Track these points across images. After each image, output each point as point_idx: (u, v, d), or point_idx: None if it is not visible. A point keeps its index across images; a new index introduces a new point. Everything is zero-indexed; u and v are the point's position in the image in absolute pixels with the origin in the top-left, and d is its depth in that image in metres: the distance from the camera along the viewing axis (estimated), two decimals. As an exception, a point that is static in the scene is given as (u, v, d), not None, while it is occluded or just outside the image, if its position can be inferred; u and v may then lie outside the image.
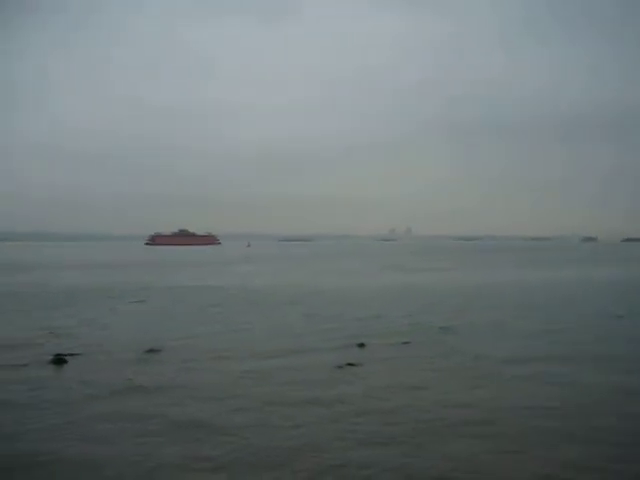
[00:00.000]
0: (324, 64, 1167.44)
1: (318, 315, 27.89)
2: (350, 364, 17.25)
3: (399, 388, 14.81)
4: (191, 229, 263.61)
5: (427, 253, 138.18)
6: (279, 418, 12.50)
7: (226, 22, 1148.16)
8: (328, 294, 38.28)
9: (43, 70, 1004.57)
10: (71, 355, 18.28)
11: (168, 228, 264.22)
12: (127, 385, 15.06)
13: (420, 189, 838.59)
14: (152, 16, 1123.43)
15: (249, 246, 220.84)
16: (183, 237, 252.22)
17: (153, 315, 28.32)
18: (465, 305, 31.94)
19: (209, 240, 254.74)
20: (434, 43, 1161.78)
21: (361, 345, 20.09)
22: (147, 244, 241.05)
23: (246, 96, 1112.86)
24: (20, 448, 10.75)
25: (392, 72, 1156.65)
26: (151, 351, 19.14)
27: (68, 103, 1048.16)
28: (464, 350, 19.34)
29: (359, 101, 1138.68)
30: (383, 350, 19.50)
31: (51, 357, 17.85)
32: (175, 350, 19.36)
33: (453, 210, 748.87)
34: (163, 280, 50.73)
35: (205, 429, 11.83)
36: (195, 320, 26.53)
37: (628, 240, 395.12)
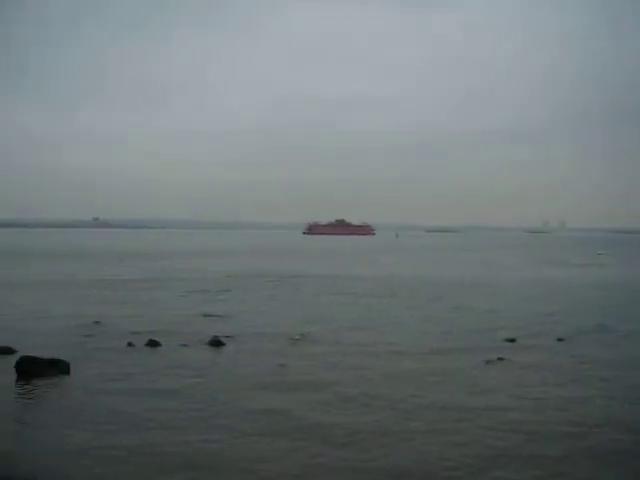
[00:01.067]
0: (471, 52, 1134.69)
1: (468, 309, 27.41)
2: (500, 359, 16.88)
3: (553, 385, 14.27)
4: (348, 219, 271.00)
5: (584, 246, 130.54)
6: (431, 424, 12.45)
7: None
8: (481, 288, 37.45)
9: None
10: (227, 337, 19.35)
11: (325, 218, 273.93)
12: (277, 371, 15.72)
13: (572, 179, 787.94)
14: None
15: (397, 236, 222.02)
16: (339, 227, 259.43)
17: (305, 303, 29.31)
18: (629, 303, 29.98)
19: (364, 230, 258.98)
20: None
21: (511, 340, 19.58)
22: (305, 233, 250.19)
23: (398, 86, 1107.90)
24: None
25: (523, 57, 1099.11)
26: (301, 338, 19.79)
27: (232, 95, 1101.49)
28: (623, 351, 18.23)
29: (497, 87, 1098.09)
30: (535, 347, 18.88)
31: (209, 339, 19.02)
32: (323, 340, 19.81)
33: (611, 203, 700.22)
34: (316, 268, 52.09)
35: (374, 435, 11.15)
36: (344, 310, 27.03)
37: None
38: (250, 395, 13.36)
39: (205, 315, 24.58)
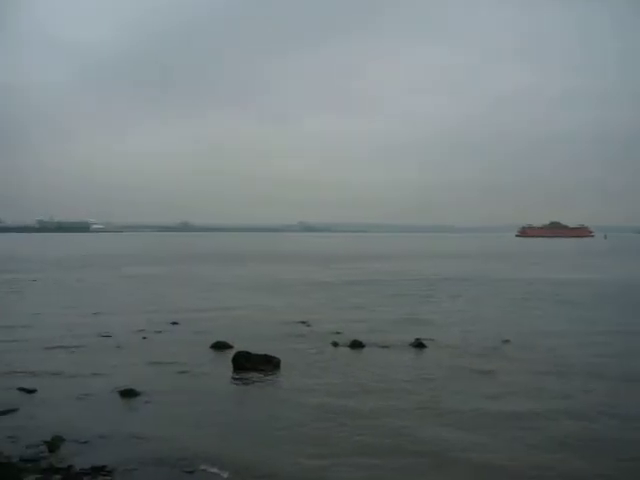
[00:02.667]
0: None
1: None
2: None
3: None
4: (563, 222, 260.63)
5: None
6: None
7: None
8: None
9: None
10: (429, 340, 19.30)
11: (539, 220, 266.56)
12: (482, 377, 15.35)
13: None
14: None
15: (606, 238, 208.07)
16: (554, 229, 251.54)
17: (511, 308, 28.34)
18: None
19: (581, 232, 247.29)
20: None
21: None
22: (517, 236, 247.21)
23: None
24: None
25: None
26: (505, 345, 19.12)
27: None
28: None
29: None
30: None
31: (412, 341, 19.11)
32: (525, 347, 18.92)
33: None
34: (528, 272, 50.23)
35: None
36: (550, 317, 25.79)
37: None
38: (454, 399, 13.19)
39: (408, 318, 24.74)
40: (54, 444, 10.02)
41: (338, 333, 20.60)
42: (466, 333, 21.06)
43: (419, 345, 18.70)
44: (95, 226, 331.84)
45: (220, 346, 18.20)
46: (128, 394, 13.13)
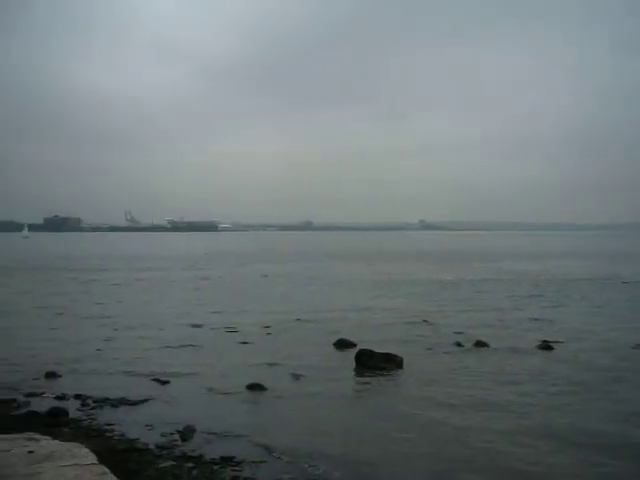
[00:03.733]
0: None
1: None
2: None
3: None
4: None
5: None
6: None
7: None
8: None
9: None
10: (557, 343, 18.50)
11: None
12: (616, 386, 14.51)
13: None
14: None
15: None
16: None
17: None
18: None
19: None
20: None
21: None
22: None
23: None
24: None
25: None
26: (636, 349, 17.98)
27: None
28: None
29: None
30: None
31: (538, 343, 18.41)
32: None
33: None
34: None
35: None
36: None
37: None
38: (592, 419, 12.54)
39: (535, 318, 23.87)
40: (186, 433, 10.51)
41: (461, 333, 20.22)
42: (598, 335, 20.01)
43: (546, 347, 17.97)
44: (222, 225, 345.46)
45: (343, 344, 18.35)
46: (255, 388, 13.53)
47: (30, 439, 8.00)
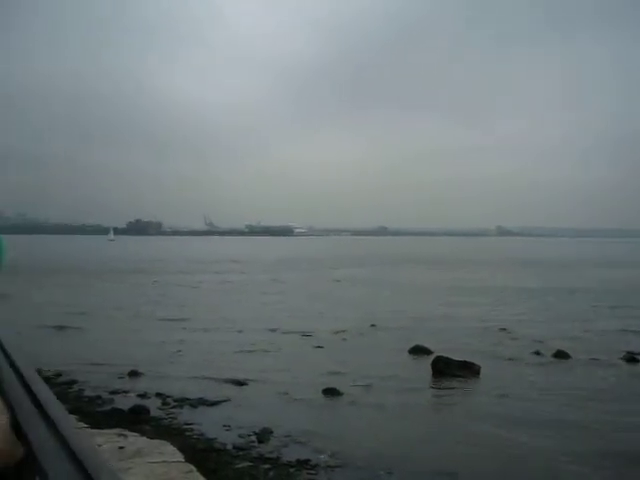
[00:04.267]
0: None
1: None
2: None
3: None
4: None
5: None
6: None
7: None
8: None
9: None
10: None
11: None
12: None
13: None
14: None
15: None
16: None
17: None
18: None
19: None
20: None
21: None
22: None
23: None
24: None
25: None
26: None
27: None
28: None
29: None
30: None
31: (622, 354, 17.75)
32: None
33: None
34: None
35: None
36: None
37: None
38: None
39: (620, 329, 22.93)
40: (263, 435, 10.66)
41: (540, 342, 19.70)
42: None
43: (631, 360, 17.27)
44: (298, 230, 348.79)
45: (419, 350, 18.18)
46: (330, 393, 13.59)
47: (120, 435, 8.32)
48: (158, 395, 13.25)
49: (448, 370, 15.26)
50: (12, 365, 2.97)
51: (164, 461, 7.06)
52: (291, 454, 9.87)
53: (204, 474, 7.12)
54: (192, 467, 7.11)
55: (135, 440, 8.14)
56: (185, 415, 11.95)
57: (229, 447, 10.11)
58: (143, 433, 9.45)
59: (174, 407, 12.47)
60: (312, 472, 9.17)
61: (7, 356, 3.22)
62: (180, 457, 7.47)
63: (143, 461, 6.97)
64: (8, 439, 2.19)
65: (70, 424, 1.96)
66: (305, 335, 21.20)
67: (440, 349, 17.45)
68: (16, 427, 2.18)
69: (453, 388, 14.37)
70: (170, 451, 7.62)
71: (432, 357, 16.38)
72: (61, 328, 22.08)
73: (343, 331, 21.86)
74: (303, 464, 9.43)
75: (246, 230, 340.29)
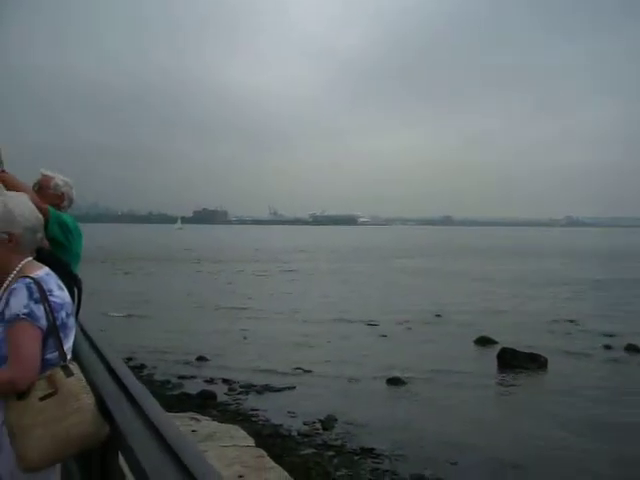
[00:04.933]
0: None
1: None
2: None
3: None
4: None
5: None
6: None
7: None
8: None
9: None
10: None
11: None
12: None
13: None
14: None
15: None
16: None
17: None
18: None
19: None
20: None
21: None
22: None
23: None
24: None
25: None
26: None
27: None
28: None
29: None
30: None
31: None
32: None
33: None
34: None
35: None
36: None
37: None
38: None
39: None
40: (327, 423, 10.77)
41: (611, 335, 19.15)
42: None
43: None
44: (362, 219, 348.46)
45: (484, 341, 17.95)
46: (394, 382, 13.59)
47: (192, 419, 8.56)
48: (225, 381, 13.54)
49: (514, 362, 15.01)
50: (95, 349, 3.15)
51: (235, 445, 7.22)
52: (355, 442, 9.94)
53: (273, 459, 7.25)
54: (263, 452, 7.25)
55: (207, 424, 8.36)
56: (251, 401, 12.18)
57: (294, 433, 10.26)
58: (213, 417, 9.70)
59: (240, 393, 12.72)
60: (377, 461, 9.21)
61: (90, 341, 3.40)
62: (251, 442, 7.62)
63: (215, 445, 7.15)
64: (96, 420, 2.32)
65: (154, 405, 2.07)
66: (370, 324, 21.22)
67: (506, 340, 17.19)
68: (102, 408, 2.31)
69: (519, 381, 14.13)
70: (241, 435, 7.79)
71: (498, 348, 16.15)
72: (129, 316, 22.71)
73: (408, 320, 21.78)
74: (367, 452, 9.48)
75: (310, 220, 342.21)
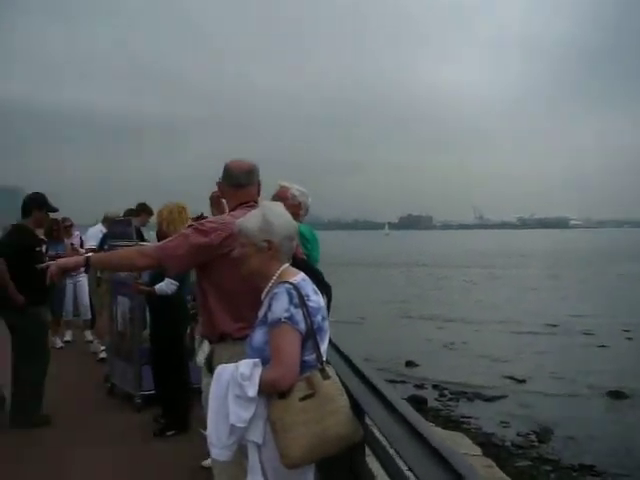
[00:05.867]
0: None
1: None
2: None
3: None
4: None
5: None
6: None
7: None
8: None
9: None
10: None
11: None
12: None
13: None
14: None
15: None
16: None
17: None
18: None
19: None
20: None
21: None
22: None
23: None
24: None
25: None
26: None
27: None
28: None
29: None
30: None
31: None
32: None
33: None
34: None
35: None
36: None
37: None
38: None
39: None
40: (544, 435, 10.40)
41: None
42: None
43: None
44: (573, 222, 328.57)
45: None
46: (617, 396, 12.75)
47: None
48: (435, 386, 13.59)
49: None
50: (339, 353, 3.39)
51: (465, 453, 7.24)
52: (573, 457, 9.48)
53: (501, 470, 7.12)
54: (491, 462, 7.18)
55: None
56: (462, 408, 12.09)
57: (507, 444, 10.03)
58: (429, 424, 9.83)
59: (451, 399, 12.68)
60: (598, 479, 8.74)
61: (333, 344, 3.66)
62: (478, 450, 7.59)
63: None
64: (351, 423, 2.53)
65: (411, 411, 2.20)
66: (586, 333, 20.06)
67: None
68: (356, 411, 2.50)
69: None
70: (467, 443, 7.78)
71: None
72: (336, 322, 23.38)
73: (628, 330, 20.25)
74: (587, 469, 9.01)
75: (517, 223, 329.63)
